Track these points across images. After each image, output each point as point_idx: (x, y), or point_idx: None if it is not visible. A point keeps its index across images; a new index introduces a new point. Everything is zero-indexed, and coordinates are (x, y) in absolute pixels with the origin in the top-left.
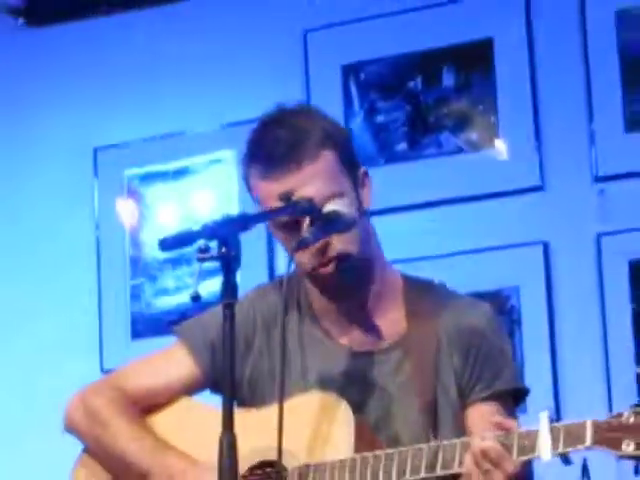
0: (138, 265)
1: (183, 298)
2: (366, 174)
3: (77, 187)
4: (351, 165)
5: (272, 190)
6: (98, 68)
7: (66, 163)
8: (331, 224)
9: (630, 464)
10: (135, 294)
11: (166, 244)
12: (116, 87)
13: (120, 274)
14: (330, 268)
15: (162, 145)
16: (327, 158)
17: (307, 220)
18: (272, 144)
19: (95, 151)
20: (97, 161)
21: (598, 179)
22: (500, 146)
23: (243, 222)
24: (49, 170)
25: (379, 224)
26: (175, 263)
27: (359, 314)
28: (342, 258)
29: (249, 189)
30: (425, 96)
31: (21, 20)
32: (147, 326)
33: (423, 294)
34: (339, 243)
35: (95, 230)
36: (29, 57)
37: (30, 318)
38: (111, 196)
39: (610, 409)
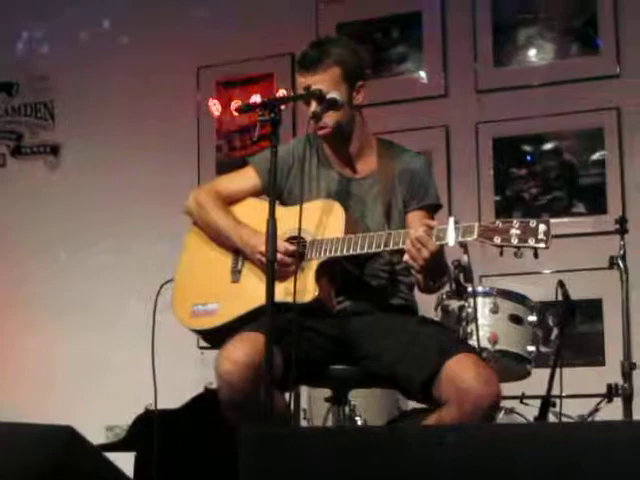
0: (220, 133)
1: (246, 152)
2: (362, 86)
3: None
4: (352, 79)
5: (301, 82)
6: None
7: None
8: (327, 104)
9: None
10: (218, 149)
11: (241, 109)
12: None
13: (210, 137)
14: (322, 132)
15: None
16: (334, 71)
17: (314, 102)
18: (307, 57)
19: (198, 69)
20: (199, 75)
21: (478, 91)
22: (423, 74)
23: (282, 100)
24: (172, 81)
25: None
26: (242, 133)
27: (350, 157)
28: (325, 128)
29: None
30: (384, 44)
31: None
32: (225, 167)
33: (387, 148)
34: (326, 118)
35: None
36: None
37: (159, 157)
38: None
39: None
